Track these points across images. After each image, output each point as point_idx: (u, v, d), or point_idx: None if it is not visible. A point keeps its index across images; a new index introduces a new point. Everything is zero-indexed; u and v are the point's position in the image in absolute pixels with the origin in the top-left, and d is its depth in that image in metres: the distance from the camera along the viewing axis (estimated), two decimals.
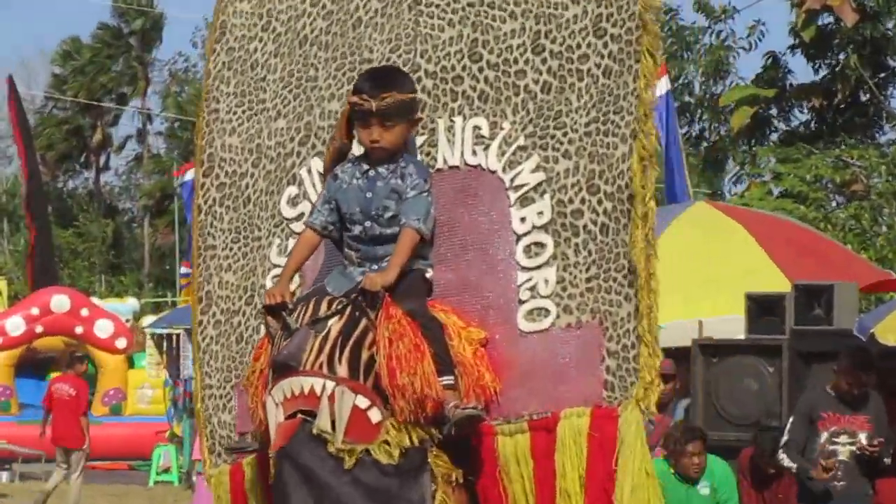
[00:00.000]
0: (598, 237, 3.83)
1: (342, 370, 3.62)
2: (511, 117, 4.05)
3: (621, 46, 3.86)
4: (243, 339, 4.35)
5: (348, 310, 3.68)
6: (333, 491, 3.57)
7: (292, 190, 4.38)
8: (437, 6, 4.21)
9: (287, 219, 4.36)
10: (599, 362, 3.75)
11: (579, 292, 3.83)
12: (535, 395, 3.83)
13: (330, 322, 3.67)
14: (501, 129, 4.06)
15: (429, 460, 3.73)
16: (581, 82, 3.94)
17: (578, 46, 3.96)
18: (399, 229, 3.82)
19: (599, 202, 3.84)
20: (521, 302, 3.91)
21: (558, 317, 3.85)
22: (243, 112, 4.55)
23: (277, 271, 4.22)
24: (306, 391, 3.59)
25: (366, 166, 3.93)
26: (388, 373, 3.59)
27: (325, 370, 3.61)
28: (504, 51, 4.10)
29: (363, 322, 3.67)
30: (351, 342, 3.65)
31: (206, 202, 4.52)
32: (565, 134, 3.94)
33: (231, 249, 4.45)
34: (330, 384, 3.58)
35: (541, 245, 3.92)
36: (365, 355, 3.65)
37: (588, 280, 3.82)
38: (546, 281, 3.88)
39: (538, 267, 3.91)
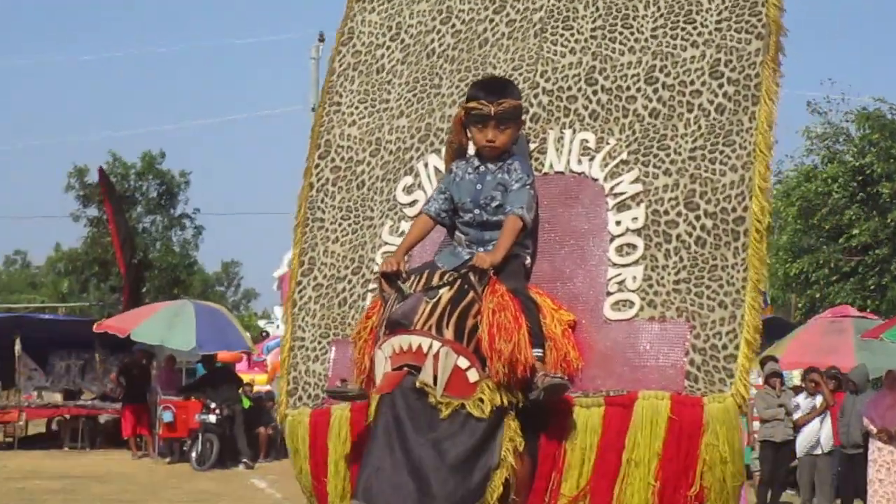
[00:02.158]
0: (692, 247, 4.23)
1: (448, 333, 3.96)
2: (617, 135, 4.50)
3: (738, 89, 4.33)
4: (346, 303, 4.80)
5: (457, 283, 4.04)
6: (414, 442, 3.87)
7: (408, 180, 4.85)
8: (562, 35, 4.74)
9: (401, 204, 4.82)
10: (683, 355, 4.10)
11: (665, 291, 4.22)
12: (613, 376, 4.18)
13: (441, 291, 4.03)
14: (608, 143, 4.49)
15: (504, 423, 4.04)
16: (690, 113, 4.41)
17: (692, 83, 4.45)
18: (504, 217, 4.24)
19: (697, 218, 4.26)
20: (609, 293, 4.30)
21: (642, 309, 4.23)
22: (365, 108, 5.08)
23: (387, 248, 4.69)
24: (414, 348, 3.94)
25: (477, 163, 4.39)
26: (489, 338, 3.93)
27: (433, 332, 3.96)
28: (619, 78, 4.58)
29: (470, 294, 4.02)
30: (458, 310, 3.99)
31: (318, 180, 5.03)
32: (668, 155, 4.38)
33: (340, 224, 4.92)
34: (436, 344, 3.92)
35: (632, 246, 4.33)
36: (469, 323, 3.99)
37: (676, 282, 4.21)
38: (634, 277, 4.28)
39: (628, 264, 4.31)
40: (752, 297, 4.08)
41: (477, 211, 4.34)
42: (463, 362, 3.96)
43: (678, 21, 4.55)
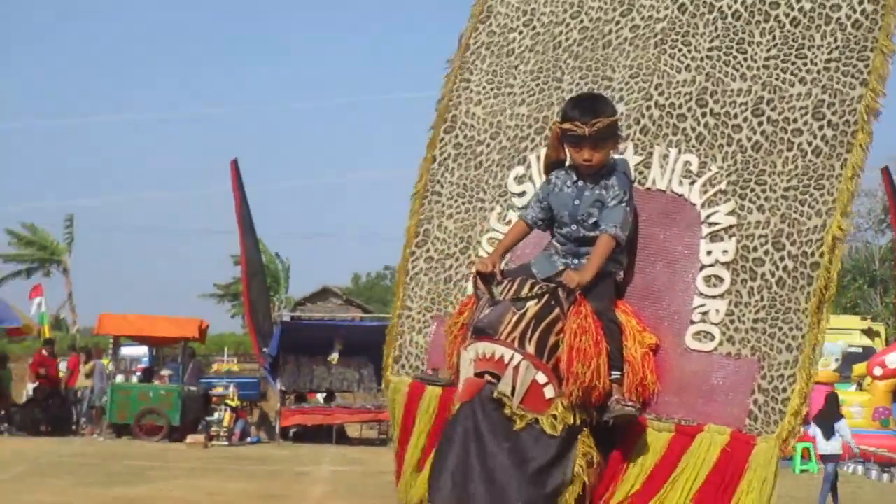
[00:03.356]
0: (773, 287, 4.35)
1: (530, 348, 4.14)
2: (720, 162, 4.58)
3: (836, 134, 4.37)
4: (451, 280, 4.99)
5: (545, 297, 4.20)
6: (489, 451, 4.06)
7: (520, 169, 4.98)
8: (680, 50, 4.79)
9: (511, 192, 4.97)
10: (749, 394, 4.27)
11: (745, 328, 4.36)
12: (684, 405, 4.38)
13: (528, 304, 4.19)
14: (709, 170, 4.59)
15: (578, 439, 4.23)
16: (789, 152, 4.47)
17: (795, 120, 4.49)
18: (598, 233, 4.37)
19: (782, 259, 4.36)
20: (693, 322, 4.45)
21: (721, 344, 4.38)
22: (492, 89, 5.18)
23: (493, 234, 4.89)
24: (496, 357, 4.13)
25: (575, 177, 4.50)
26: (568, 360, 4.11)
27: (516, 344, 4.14)
28: (728, 104, 4.63)
29: (556, 311, 4.19)
30: (542, 325, 4.17)
31: (441, 154, 5.17)
32: (763, 191, 4.47)
33: (455, 201, 5.07)
34: (518, 356, 4.11)
35: (720, 279, 4.45)
36: (552, 340, 4.17)
37: (755, 321, 4.34)
38: (717, 311, 4.41)
39: (713, 297, 4.44)
40: (813, 337, 4.21)
41: (574, 226, 4.47)
42: (541, 378, 4.15)
43: (790, 54, 4.60)
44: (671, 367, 4.45)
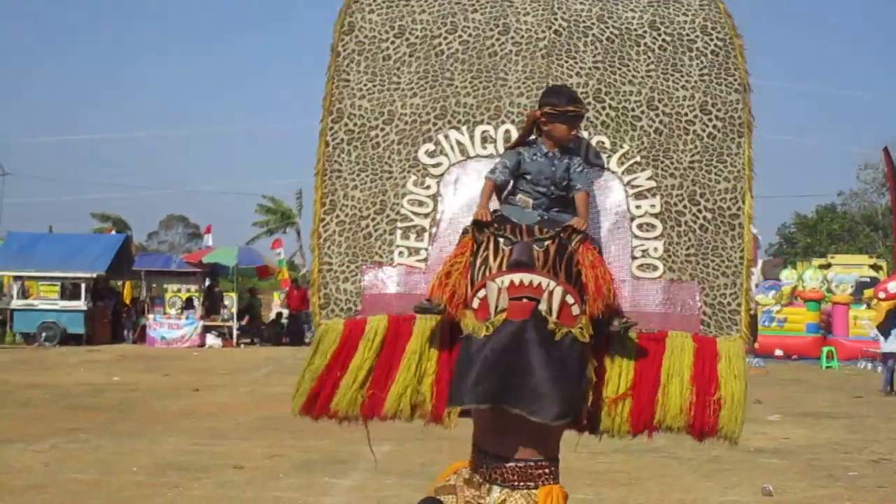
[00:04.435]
0: (697, 232, 5.22)
1: (561, 276, 4.73)
2: (629, 143, 5.32)
3: (724, 125, 5.39)
4: (372, 236, 5.25)
5: (557, 238, 4.81)
6: (541, 359, 4.59)
7: (429, 146, 5.33)
8: (567, 62, 5.45)
9: (424, 164, 5.32)
10: (698, 308, 5.13)
11: (681, 260, 5.18)
12: (643, 319, 5.08)
13: (546, 243, 4.78)
14: (622, 147, 5.32)
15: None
16: (687, 136, 5.35)
17: (686, 114, 5.39)
18: (572, 193, 5.05)
19: (700, 211, 5.25)
20: (635, 258, 5.18)
21: (664, 273, 5.16)
22: (374, 87, 5.48)
23: (412, 197, 5.28)
24: (535, 284, 4.68)
25: (545, 149, 5.08)
26: (596, 284, 4.75)
27: (550, 274, 4.72)
28: (623, 101, 5.39)
29: (569, 248, 4.80)
30: (565, 258, 4.77)
31: (333, 139, 5.37)
32: (672, 163, 5.29)
33: (358, 175, 5.33)
34: (552, 283, 4.68)
35: (652, 226, 5.22)
36: (574, 270, 4.78)
37: (687, 255, 5.19)
38: (656, 248, 5.19)
39: (650, 238, 5.22)
40: (747, 268, 5.22)
41: (552, 188, 5.03)
42: (570, 299, 4.70)
43: (668, 69, 5.45)
44: (625, 294, 5.10)
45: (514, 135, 5.25)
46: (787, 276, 34.06)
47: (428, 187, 5.28)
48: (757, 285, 32.91)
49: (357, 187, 5.31)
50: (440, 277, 4.83)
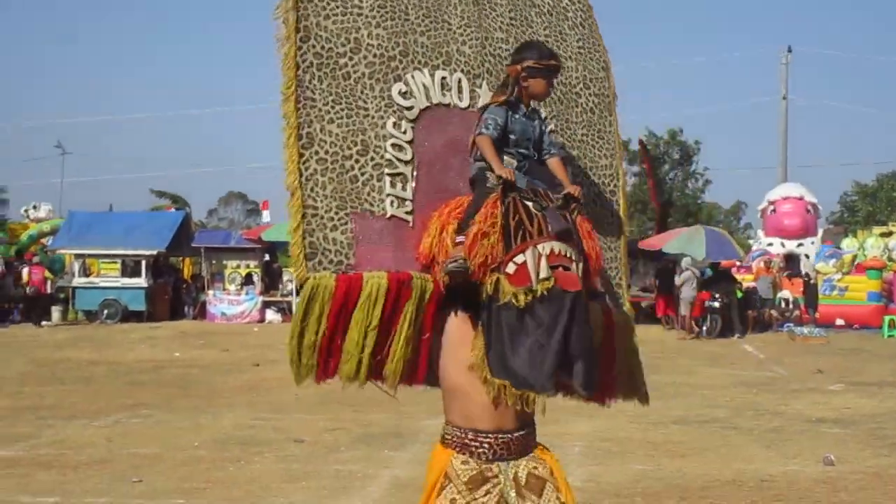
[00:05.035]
0: (591, 203, 5.25)
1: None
2: (545, 109, 5.24)
3: (600, 101, 5.50)
4: (358, 180, 4.76)
5: (565, 208, 4.69)
6: (582, 328, 4.48)
7: (401, 86, 5.00)
8: (490, 15, 5.32)
9: (400, 105, 4.98)
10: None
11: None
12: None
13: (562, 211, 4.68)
14: (542, 111, 5.20)
15: None
16: (577, 108, 5.41)
17: (575, 86, 5.45)
18: (545, 157, 4.90)
19: (592, 184, 5.36)
20: None
21: None
22: (338, 7, 4.99)
23: (395, 141, 4.87)
24: (567, 255, 4.51)
25: (523, 108, 4.92)
26: (598, 259, 4.79)
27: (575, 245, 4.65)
28: None
29: (569, 217, 4.70)
30: (577, 231, 4.68)
31: (303, 62, 4.81)
32: (573, 135, 5.37)
33: (332, 107, 4.81)
34: (577, 254, 4.56)
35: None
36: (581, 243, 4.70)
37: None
38: None
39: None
40: (624, 245, 5.43)
41: (532, 150, 4.88)
42: (582, 269, 4.62)
43: (558, 36, 5.48)
44: None
45: (466, 84, 5.11)
46: (848, 244, 33.83)
47: (405, 132, 4.92)
48: (816, 254, 33.02)
49: (334, 121, 4.80)
50: (475, 237, 4.51)
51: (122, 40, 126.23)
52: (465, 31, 5.19)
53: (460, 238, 4.57)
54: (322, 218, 4.67)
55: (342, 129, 4.79)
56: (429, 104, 4.99)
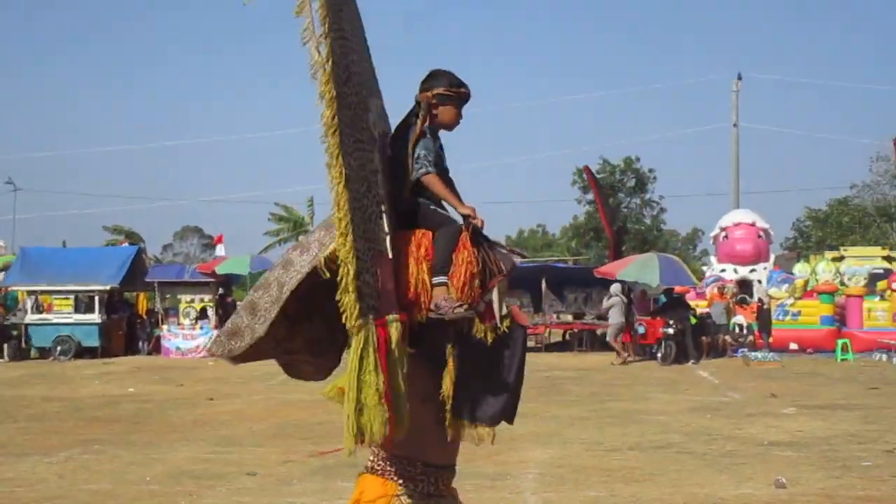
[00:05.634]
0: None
1: None
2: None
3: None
4: (371, 220, 4.49)
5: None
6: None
7: (371, 115, 4.75)
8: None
9: (374, 137, 4.73)
10: None
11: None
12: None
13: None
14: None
15: None
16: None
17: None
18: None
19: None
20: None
21: None
22: (335, 34, 4.35)
23: (379, 174, 4.64)
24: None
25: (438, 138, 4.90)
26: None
27: None
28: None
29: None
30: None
31: (340, 96, 4.41)
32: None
33: (348, 138, 4.43)
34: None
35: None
36: None
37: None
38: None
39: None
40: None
41: (447, 176, 4.91)
42: None
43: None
44: None
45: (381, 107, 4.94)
46: (801, 269, 34.21)
47: (379, 162, 4.70)
48: (768, 279, 33.39)
49: (352, 154, 4.44)
50: (466, 279, 4.47)
51: (74, 74, 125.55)
52: (366, 53, 4.95)
53: (438, 279, 4.53)
54: (361, 259, 4.31)
55: (357, 161, 4.45)
56: (378, 132, 4.83)
